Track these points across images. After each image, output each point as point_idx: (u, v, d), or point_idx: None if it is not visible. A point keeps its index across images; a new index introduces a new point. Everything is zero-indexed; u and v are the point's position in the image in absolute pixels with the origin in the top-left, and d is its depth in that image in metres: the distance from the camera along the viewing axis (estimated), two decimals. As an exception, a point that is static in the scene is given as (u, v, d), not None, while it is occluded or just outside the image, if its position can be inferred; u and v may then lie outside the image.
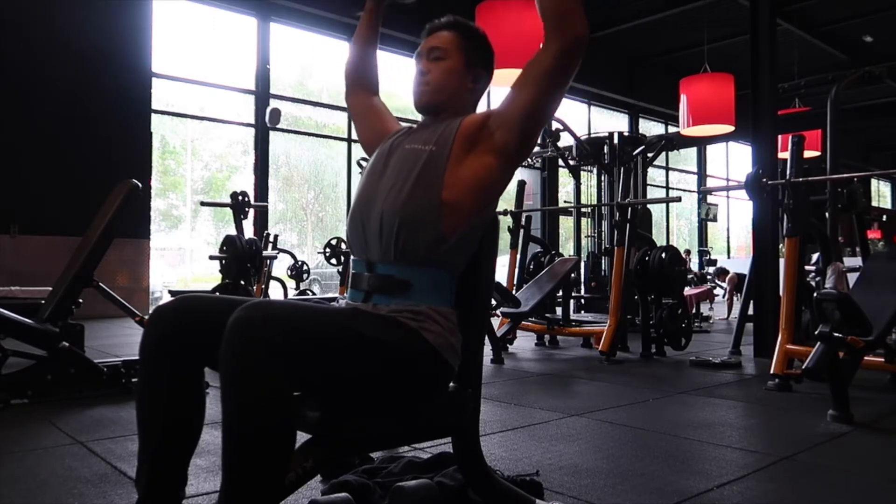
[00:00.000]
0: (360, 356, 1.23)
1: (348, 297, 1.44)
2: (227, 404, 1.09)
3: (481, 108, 1.58)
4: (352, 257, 1.48)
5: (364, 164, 1.53)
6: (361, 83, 1.73)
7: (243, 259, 4.77)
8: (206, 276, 11.28)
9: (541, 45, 1.35)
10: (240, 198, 5.23)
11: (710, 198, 14.36)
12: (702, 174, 15.70)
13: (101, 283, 3.27)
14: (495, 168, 1.40)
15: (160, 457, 1.27)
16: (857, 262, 4.68)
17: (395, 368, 1.28)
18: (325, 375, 1.20)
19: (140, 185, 3.32)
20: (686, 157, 15.47)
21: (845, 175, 4.84)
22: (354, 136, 1.85)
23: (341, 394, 1.26)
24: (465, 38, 1.51)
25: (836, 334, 2.73)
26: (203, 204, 6.65)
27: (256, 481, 1.09)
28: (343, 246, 6.89)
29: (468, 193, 1.38)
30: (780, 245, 4.55)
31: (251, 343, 1.08)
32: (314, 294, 8.64)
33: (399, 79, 10.31)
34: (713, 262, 10.45)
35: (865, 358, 3.01)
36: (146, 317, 1.32)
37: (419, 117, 1.55)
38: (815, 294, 2.98)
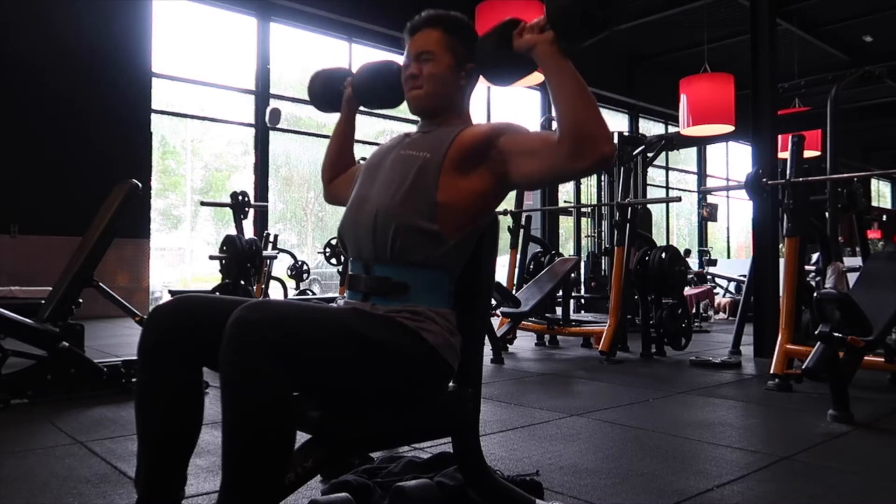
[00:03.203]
0: (359, 356, 1.23)
1: (347, 298, 1.44)
2: (226, 405, 1.09)
3: (483, 109, 1.58)
4: (350, 259, 1.48)
5: (362, 163, 1.53)
6: (338, 176, 1.77)
7: (243, 259, 4.77)
8: (206, 276, 11.27)
9: (559, 143, 1.28)
10: (240, 198, 5.23)
11: (710, 198, 14.34)
12: (702, 174, 15.69)
13: (101, 283, 3.28)
14: (492, 188, 1.41)
15: (160, 457, 1.26)
16: (857, 262, 4.68)
17: (395, 368, 1.28)
18: (325, 376, 1.20)
19: (140, 184, 3.32)
20: (686, 157, 15.45)
21: (845, 175, 4.84)
22: (354, 136, 1.86)
23: (341, 394, 1.26)
24: (450, 35, 1.48)
25: (836, 334, 2.72)
26: (203, 204, 6.66)
27: (256, 482, 1.09)
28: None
29: (464, 200, 1.38)
30: (780, 245, 4.56)
31: (250, 344, 1.08)
32: (314, 294, 8.65)
33: (399, 79, 10.30)
34: (713, 262, 10.44)
35: (865, 358, 3.01)
36: (146, 317, 1.32)
37: (413, 116, 1.55)
38: (815, 294, 2.98)
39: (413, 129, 1.58)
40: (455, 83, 1.49)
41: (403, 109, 1.70)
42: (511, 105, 11.92)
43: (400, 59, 1.58)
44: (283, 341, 1.11)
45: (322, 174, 1.80)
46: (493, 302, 4.64)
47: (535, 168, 1.34)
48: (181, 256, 13.00)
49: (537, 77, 1.54)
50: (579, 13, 1.27)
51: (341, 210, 1.57)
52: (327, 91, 1.81)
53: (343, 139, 1.79)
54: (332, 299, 5.53)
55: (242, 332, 1.09)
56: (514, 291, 5.33)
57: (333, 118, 1.85)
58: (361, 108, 1.80)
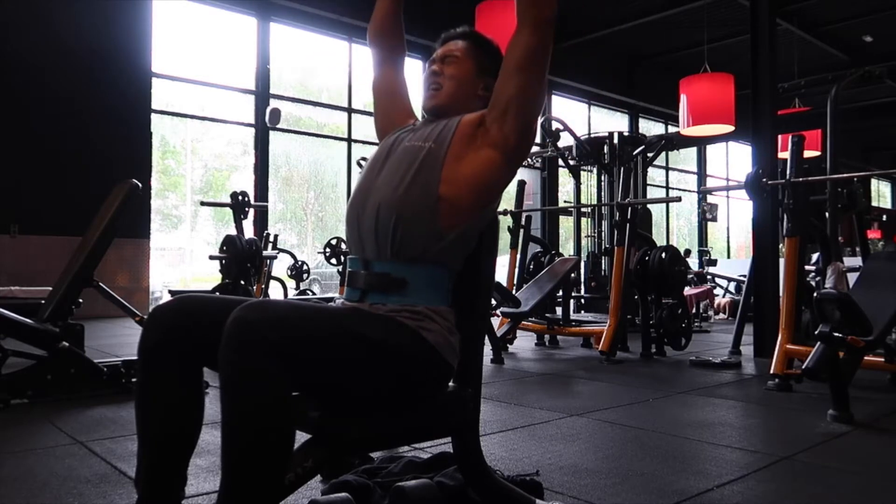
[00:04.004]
0: (359, 356, 1.23)
1: (345, 295, 1.44)
2: (226, 405, 1.09)
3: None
4: (349, 256, 1.48)
5: (364, 163, 1.54)
6: (389, 43, 1.69)
7: (243, 259, 4.78)
8: (206, 276, 11.27)
9: (513, 34, 1.40)
10: (240, 198, 5.23)
11: (710, 198, 14.34)
12: (702, 174, 15.70)
13: (101, 283, 3.27)
14: (497, 162, 1.41)
15: (160, 457, 1.26)
16: (857, 262, 4.68)
17: (395, 368, 1.28)
18: (325, 375, 1.20)
19: (140, 184, 3.32)
20: (686, 157, 15.46)
21: (845, 175, 4.84)
22: (355, 136, 1.86)
23: (341, 394, 1.25)
24: (477, 47, 1.56)
25: (836, 334, 2.72)
26: (203, 204, 6.66)
27: (256, 481, 1.09)
28: (343, 246, 6.89)
29: (468, 190, 1.38)
30: (780, 245, 4.56)
31: (250, 344, 1.08)
32: (314, 294, 8.65)
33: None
34: (713, 262, 10.43)
35: (865, 358, 3.01)
36: (146, 317, 1.32)
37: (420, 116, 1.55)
38: (815, 294, 2.98)
39: (419, 120, 1.59)
40: (473, 91, 1.54)
41: (415, 109, 1.69)
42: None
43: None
44: (282, 341, 1.11)
45: (370, 36, 1.70)
46: (493, 302, 4.64)
47: (512, 78, 1.39)
48: (181, 256, 13.00)
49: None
50: None
51: (342, 211, 1.57)
52: None
53: None
54: (332, 299, 5.53)
55: (242, 332, 1.09)
56: (514, 291, 5.33)
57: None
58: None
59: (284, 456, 1.12)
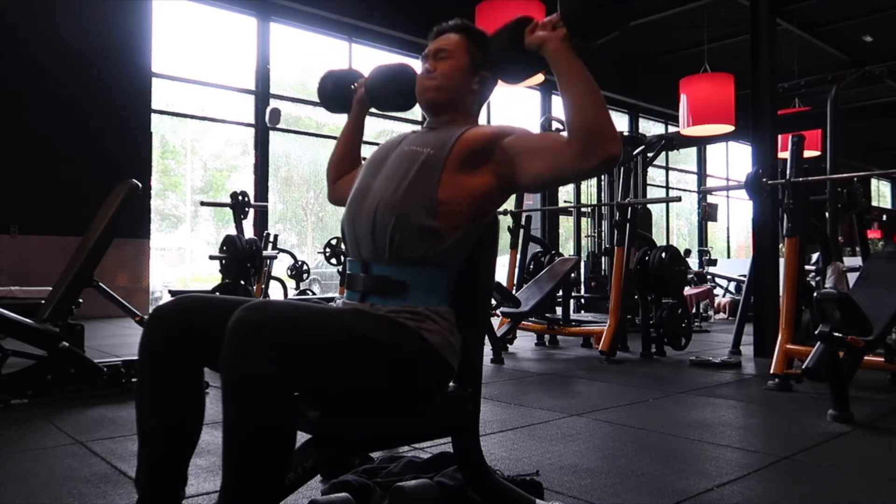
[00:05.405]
0: (360, 357, 1.23)
1: (345, 297, 1.44)
2: (227, 405, 1.09)
3: (484, 112, 1.59)
4: (348, 258, 1.48)
5: (363, 163, 1.54)
6: (343, 176, 1.77)
7: (243, 259, 4.77)
8: (206, 276, 11.27)
9: (568, 144, 1.29)
10: (240, 198, 5.23)
11: (710, 197, 14.34)
12: (702, 174, 15.69)
13: (101, 283, 3.27)
14: (494, 189, 1.41)
15: (160, 457, 1.27)
16: (857, 262, 4.68)
17: (396, 368, 1.28)
18: (326, 376, 1.20)
19: (140, 184, 3.32)
20: (686, 157, 15.45)
21: (845, 175, 4.84)
22: (363, 137, 1.87)
23: (342, 394, 1.26)
24: (470, 41, 1.53)
25: (836, 334, 2.72)
26: (203, 204, 6.66)
27: (256, 481, 1.09)
28: (343, 246, 6.89)
29: (465, 199, 1.38)
30: (780, 245, 4.55)
31: (252, 345, 1.08)
32: (314, 294, 8.64)
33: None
34: (713, 262, 10.43)
35: (865, 358, 3.01)
36: (146, 317, 1.32)
37: (418, 117, 1.56)
38: (815, 294, 2.98)
39: (418, 128, 1.60)
40: (467, 85, 1.52)
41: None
42: (511, 105, 11.92)
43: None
44: (283, 342, 1.11)
45: (327, 173, 1.80)
46: (493, 302, 4.64)
47: (543, 168, 1.33)
48: (181, 256, 13.00)
49: (538, 77, 1.55)
50: (594, 10, 1.27)
51: (342, 210, 1.57)
52: (338, 91, 1.80)
53: (351, 139, 1.79)
54: (332, 299, 5.53)
55: (244, 332, 1.09)
56: (514, 291, 5.33)
57: (333, 118, 1.86)
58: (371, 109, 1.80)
59: (285, 456, 1.12)
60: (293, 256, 7.68)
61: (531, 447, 2.26)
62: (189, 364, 1.29)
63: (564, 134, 1.31)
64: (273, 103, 8.93)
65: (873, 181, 18.93)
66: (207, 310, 1.28)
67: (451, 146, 1.41)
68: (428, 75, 1.52)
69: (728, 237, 16.69)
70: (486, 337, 2.82)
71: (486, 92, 1.56)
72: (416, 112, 1.58)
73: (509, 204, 6.28)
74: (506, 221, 6.06)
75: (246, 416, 1.08)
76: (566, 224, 11.43)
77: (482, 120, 1.62)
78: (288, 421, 1.13)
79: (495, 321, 4.95)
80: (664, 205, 14.19)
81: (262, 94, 8.95)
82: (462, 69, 1.50)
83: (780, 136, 5.57)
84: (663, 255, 4.80)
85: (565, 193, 11.05)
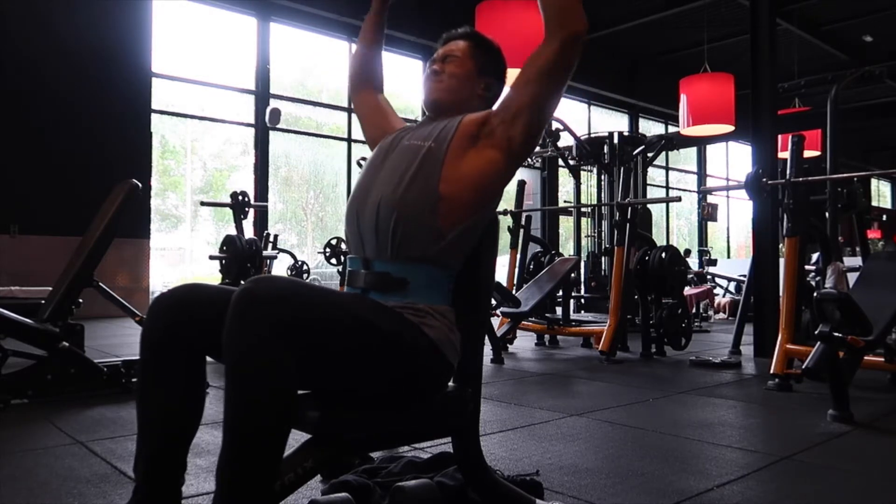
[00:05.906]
0: (363, 340, 1.23)
1: None
2: (230, 374, 1.10)
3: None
4: (349, 255, 1.48)
5: (363, 162, 1.55)
6: (367, 82, 1.77)
7: (243, 259, 4.77)
8: (206, 276, 11.26)
9: (541, 43, 1.39)
10: (240, 198, 5.23)
11: (710, 197, 14.34)
12: (702, 174, 15.69)
13: (101, 283, 3.27)
14: (499, 163, 1.42)
15: (161, 441, 1.28)
16: (857, 262, 4.68)
17: (397, 359, 1.28)
18: (327, 355, 1.20)
19: (140, 184, 3.32)
20: (686, 157, 15.45)
21: (845, 175, 4.85)
22: (354, 136, 1.87)
23: (340, 378, 1.25)
24: (478, 47, 1.58)
25: (836, 334, 2.72)
26: (203, 204, 6.65)
27: (258, 449, 1.10)
28: (343, 246, 6.89)
29: (468, 188, 1.39)
30: (780, 245, 4.56)
31: (256, 318, 1.09)
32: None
33: (402, 79, 10.32)
34: (713, 262, 10.43)
35: (865, 358, 3.01)
36: (150, 304, 1.33)
37: (419, 116, 1.56)
38: (815, 294, 2.98)
39: (419, 119, 1.62)
40: (472, 89, 1.56)
41: (405, 109, 1.70)
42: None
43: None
44: (288, 316, 1.12)
45: (350, 75, 1.80)
46: (493, 302, 4.64)
47: (530, 76, 1.39)
48: (181, 256, 12.99)
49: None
50: None
51: (341, 211, 1.58)
52: None
53: (372, 37, 1.78)
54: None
55: (248, 304, 1.10)
56: (514, 291, 5.33)
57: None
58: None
59: (286, 424, 1.13)
60: (293, 256, 7.69)
61: (531, 447, 2.26)
62: (191, 350, 1.29)
63: None
64: (273, 103, 8.93)
65: (873, 181, 18.93)
66: (208, 299, 1.29)
67: (451, 137, 1.43)
68: (435, 77, 1.55)
69: (728, 237, 16.69)
70: (486, 337, 2.82)
71: (492, 98, 1.60)
72: (416, 112, 1.58)
73: (509, 204, 6.28)
74: (506, 221, 6.06)
75: (247, 384, 1.09)
76: (566, 224, 11.42)
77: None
78: (289, 392, 1.13)
79: (495, 321, 4.95)
80: (664, 205, 14.20)
81: (262, 93, 8.96)
82: (468, 73, 1.55)
83: (780, 136, 5.57)
84: (663, 255, 4.80)
85: (565, 193, 11.06)
